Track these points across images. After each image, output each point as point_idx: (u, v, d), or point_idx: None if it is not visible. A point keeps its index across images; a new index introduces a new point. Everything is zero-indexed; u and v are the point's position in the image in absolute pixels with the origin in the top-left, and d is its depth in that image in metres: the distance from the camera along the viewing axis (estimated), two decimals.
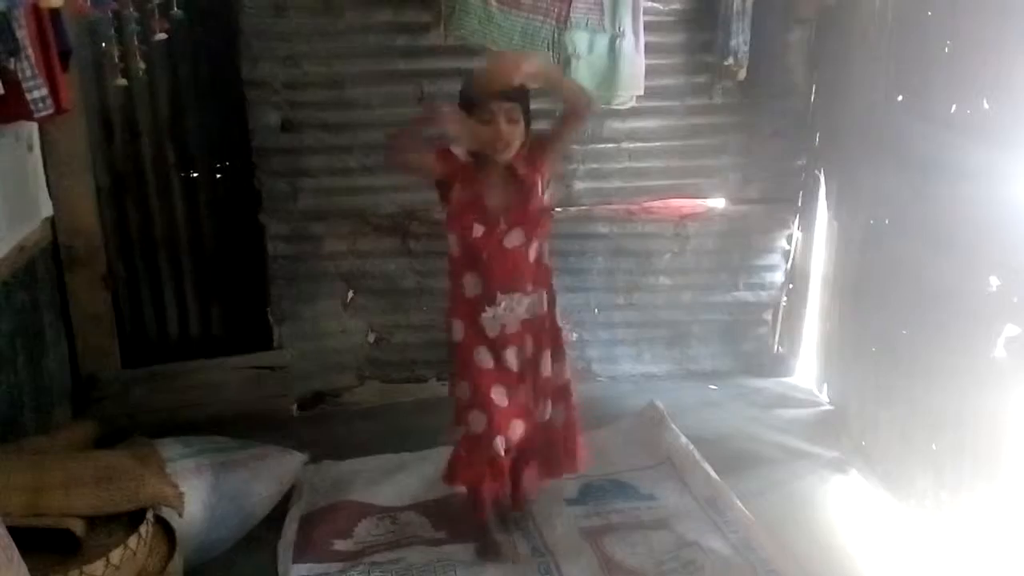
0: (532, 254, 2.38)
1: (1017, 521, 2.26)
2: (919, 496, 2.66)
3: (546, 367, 2.45)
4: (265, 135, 3.24)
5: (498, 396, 2.37)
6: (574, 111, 2.35)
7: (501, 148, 2.28)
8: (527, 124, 2.31)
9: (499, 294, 2.35)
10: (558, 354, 2.48)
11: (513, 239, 2.34)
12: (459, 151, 2.35)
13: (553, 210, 2.49)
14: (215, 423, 3.03)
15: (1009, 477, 2.30)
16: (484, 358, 2.39)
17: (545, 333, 2.44)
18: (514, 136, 2.28)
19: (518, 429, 2.41)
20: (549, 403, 2.48)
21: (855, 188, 3.17)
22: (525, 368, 2.42)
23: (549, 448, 2.51)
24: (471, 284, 2.38)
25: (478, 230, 2.32)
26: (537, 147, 2.37)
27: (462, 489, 2.52)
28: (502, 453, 2.36)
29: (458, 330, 2.42)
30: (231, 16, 3.14)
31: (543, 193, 2.39)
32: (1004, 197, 2.27)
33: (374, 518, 2.66)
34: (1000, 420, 2.32)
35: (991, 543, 2.34)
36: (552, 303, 2.46)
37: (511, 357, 2.39)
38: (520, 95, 2.27)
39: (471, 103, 2.29)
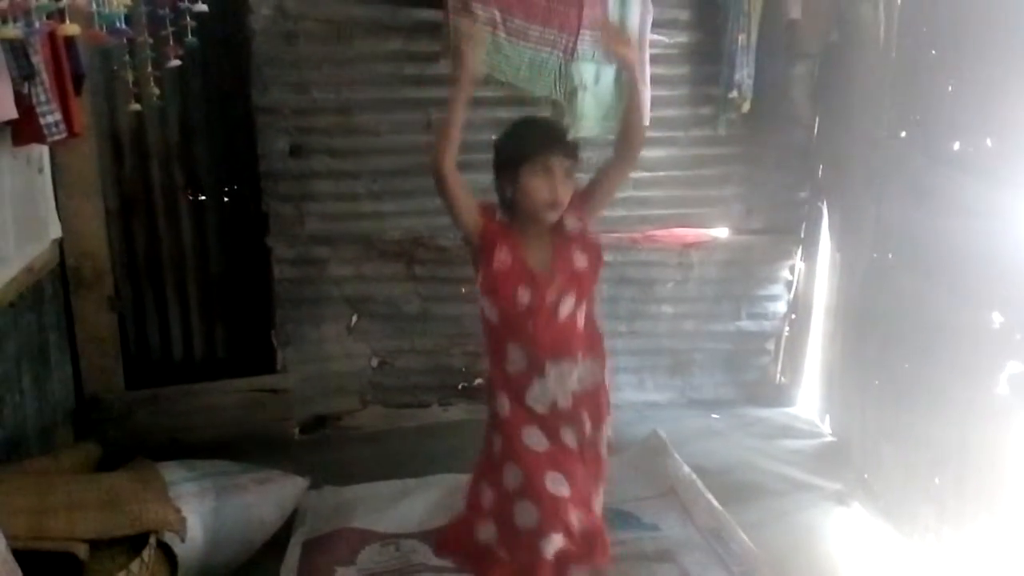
0: (581, 320, 2.11)
1: (1019, 556, 2.25)
2: (921, 530, 2.65)
3: (602, 445, 2.16)
4: (273, 160, 3.27)
5: (554, 485, 2.02)
6: (631, 138, 2.14)
7: (553, 208, 2.03)
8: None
9: (548, 363, 2.06)
10: (603, 428, 2.19)
11: (566, 307, 2.07)
12: (498, 212, 2.10)
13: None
14: (217, 446, 3.03)
15: (1011, 512, 2.29)
16: (535, 440, 2.07)
17: (599, 405, 2.16)
18: (567, 196, 2.04)
19: (574, 522, 2.04)
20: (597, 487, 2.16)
21: (858, 221, 3.19)
22: (584, 448, 2.11)
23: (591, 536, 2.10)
24: (515, 356, 2.09)
25: (524, 296, 2.04)
26: (582, 196, 2.14)
27: None
28: (551, 555, 1.99)
29: (503, 405, 2.10)
30: (243, 43, 3.18)
31: (600, 249, 2.16)
32: (1007, 234, 2.29)
33: (377, 545, 2.64)
34: (1002, 456, 2.32)
35: None
36: (597, 372, 2.17)
37: (568, 437, 2.09)
38: (576, 151, 2.07)
39: (521, 153, 2.03)
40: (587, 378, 2.13)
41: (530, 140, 2.06)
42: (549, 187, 2.01)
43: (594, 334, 2.19)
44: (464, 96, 1.99)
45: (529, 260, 2.07)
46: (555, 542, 2.00)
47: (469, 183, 2.06)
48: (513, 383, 2.10)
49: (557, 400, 2.08)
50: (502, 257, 2.05)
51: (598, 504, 2.18)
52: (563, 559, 2.03)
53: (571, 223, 2.11)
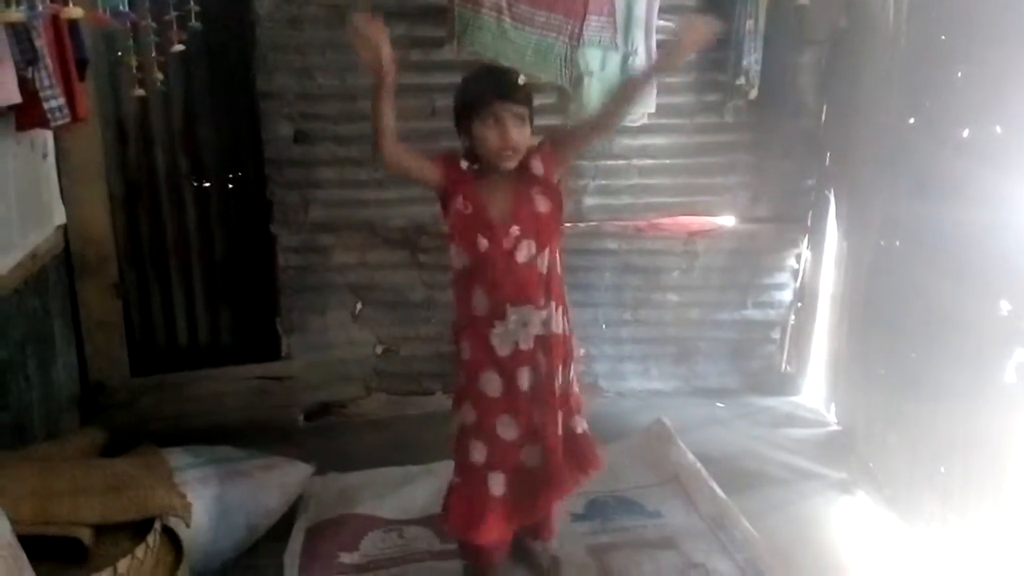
0: (543, 265, 2.18)
1: None
2: (926, 519, 2.65)
3: (559, 384, 2.25)
4: (278, 146, 3.26)
5: (503, 428, 2.21)
6: (614, 119, 2.22)
7: (508, 155, 2.11)
8: (531, 126, 2.17)
9: (509, 307, 2.15)
10: (568, 369, 2.30)
11: (523, 252, 2.15)
12: (462, 160, 2.19)
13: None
14: (222, 432, 3.03)
15: (1017, 502, 2.29)
16: (492, 384, 2.20)
17: (559, 349, 2.23)
18: (522, 140, 2.12)
19: (524, 458, 2.25)
20: (560, 419, 2.27)
21: (865, 209, 3.17)
22: (538, 388, 2.21)
23: (555, 465, 2.26)
24: (479, 298, 2.19)
25: (483, 243, 2.13)
26: (554, 145, 2.21)
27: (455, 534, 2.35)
28: (499, 493, 2.22)
29: (466, 349, 2.23)
30: (247, 29, 3.17)
31: (561, 195, 2.22)
32: (1015, 222, 2.28)
33: (380, 531, 2.65)
34: (1009, 445, 2.31)
35: (998, 567, 2.33)
36: (567, 318, 2.29)
37: (523, 378, 2.19)
38: (526, 96, 2.15)
39: (471, 106, 2.12)
40: (550, 323, 2.20)
41: (477, 91, 2.14)
42: (500, 135, 2.08)
43: (556, 281, 2.23)
44: (381, 90, 2.03)
45: (489, 207, 2.16)
46: (499, 480, 2.22)
47: (413, 149, 2.18)
48: (477, 326, 2.20)
49: (519, 342, 2.17)
50: (460, 204, 2.15)
51: (555, 431, 2.24)
52: (528, 489, 2.25)
53: (536, 167, 2.17)
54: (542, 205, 2.17)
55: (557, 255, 2.24)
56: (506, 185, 2.17)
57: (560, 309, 2.25)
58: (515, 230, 2.14)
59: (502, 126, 2.08)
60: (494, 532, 2.25)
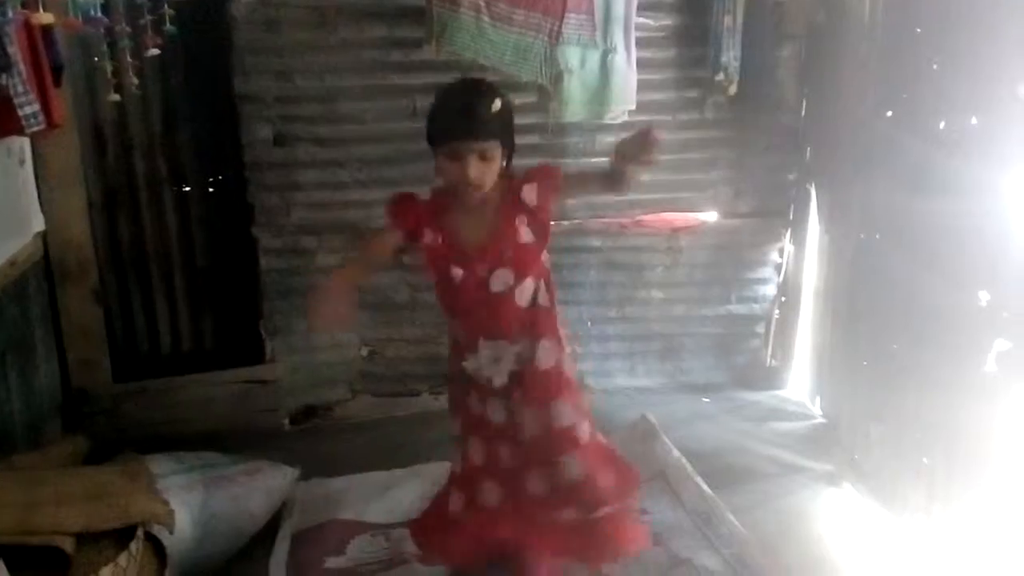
0: (523, 298, 2.07)
1: (1009, 535, 2.26)
2: (912, 510, 2.66)
3: (532, 427, 2.13)
4: (258, 149, 3.24)
5: (474, 450, 2.20)
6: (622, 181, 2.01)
7: (469, 189, 1.99)
8: (510, 153, 2.05)
9: (481, 341, 2.07)
10: (557, 405, 2.14)
11: (499, 281, 2.04)
12: (423, 192, 2.13)
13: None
14: (206, 438, 3.02)
15: (1001, 491, 2.30)
16: (473, 403, 2.17)
17: (537, 387, 2.12)
18: (487, 175, 1.98)
19: (490, 495, 2.20)
20: (544, 475, 2.16)
21: (846, 202, 3.19)
22: (508, 427, 2.14)
23: (568, 528, 2.19)
24: (455, 328, 2.17)
25: (457, 273, 2.04)
26: (560, 179, 2.10)
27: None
28: (457, 509, 2.23)
29: (454, 365, 2.19)
30: (224, 31, 3.14)
31: (548, 229, 2.09)
32: (993, 212, 2.29)
33: (367, 535, 2.64)
34: (990, 434, 2.33)
35: (983, 557, 2.35)
36: (541, 354, 2.11)
37: (494, 411, 2.14)
38: (499, 127, 1.98)
39: (432, 138, 2.02)
40: (523, 358, 2.09)
41: (439, 124, 2.01)
42: (460, 171, 1.96)
43: (540, 313, 2.11)
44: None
45: (462, 233, 2.07)
46: (455, 499, 2.26)
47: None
48: (458, 351, 2.17)
49: (492, 379, 2.09)
50: (429, 238, 2.08)
51: (567, 473, 2.15)
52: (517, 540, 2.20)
53: (528, 196, 2.05)
54: (525, 236, 2.05)
55: (544, 287, 2.12)
56: (485, 210, 2.06)
57: (539, 344, 2.11)
58: (491, 257, 2.03)
59: (462, 163, 1.95)
60: (456, 552, 2.28)
